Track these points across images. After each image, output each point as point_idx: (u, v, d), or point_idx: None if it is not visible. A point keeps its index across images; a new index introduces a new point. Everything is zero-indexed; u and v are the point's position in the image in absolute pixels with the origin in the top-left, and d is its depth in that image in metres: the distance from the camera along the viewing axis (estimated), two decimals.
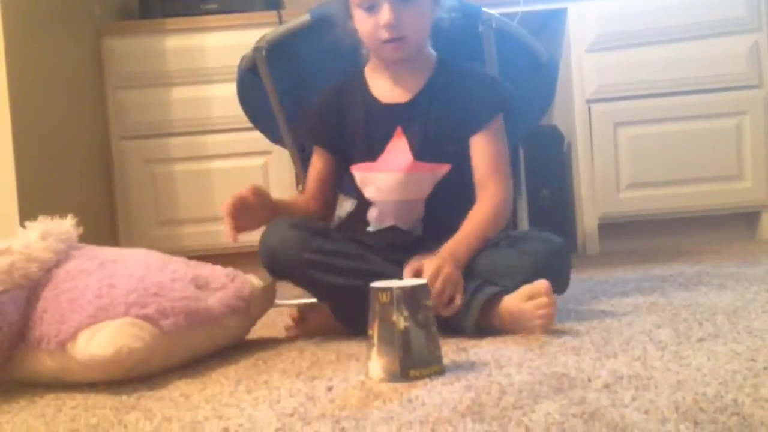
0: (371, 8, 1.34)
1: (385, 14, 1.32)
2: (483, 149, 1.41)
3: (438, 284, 1.20)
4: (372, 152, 1.44)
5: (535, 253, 1.29)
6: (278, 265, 1.32)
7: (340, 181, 1.56)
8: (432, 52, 1.47)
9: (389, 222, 1.44)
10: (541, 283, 1.22)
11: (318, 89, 1.55)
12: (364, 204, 1.48)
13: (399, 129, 1.42)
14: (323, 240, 1.31)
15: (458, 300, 1.22)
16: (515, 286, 1.24)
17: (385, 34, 1.34)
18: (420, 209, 1.43)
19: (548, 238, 1.34)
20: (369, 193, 1.45)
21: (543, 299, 1.20)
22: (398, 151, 1.42)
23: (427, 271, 1.21)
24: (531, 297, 1.22)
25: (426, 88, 1.43)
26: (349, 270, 1.29)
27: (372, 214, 1.46)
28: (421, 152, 1.41)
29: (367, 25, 1.36)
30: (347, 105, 1.47)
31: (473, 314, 1.23)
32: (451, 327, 1.23)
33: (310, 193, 1.51)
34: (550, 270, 1.27)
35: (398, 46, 1.37)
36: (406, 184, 1.41)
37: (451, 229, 1.33)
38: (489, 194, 1.38)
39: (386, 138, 1.43)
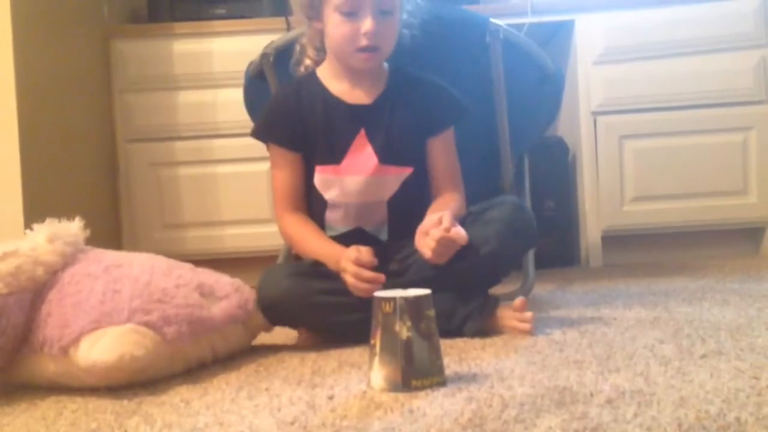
0: (352, 14, 1.36)
1: (368, 23, 1.35)
2: (442, 152, 1.49)
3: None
4: (335, 154, 1.44)
5: (499, 219, 1.37)
6: (281, 315, 1.36)
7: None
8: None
9: (352, 224, 1.45)
10: (518, 301, 1.36)
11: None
12: (319, 207, 1.46)
13: (362, 132, 1.43)
14: (322, 280, 1.34)
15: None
16: (491, 254, 1.33)
17: (363, 41, 1.37)
18: (383, 210, 1.45)
19: (505, 201, 1.43)
20: (330, 195, 1.45)
21: (517, 314, 1.35)
22: (362, 154, 1.43)
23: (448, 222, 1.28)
24: (515, 309, 1.36)
25: (386, 92, 1.46)
26: (352, 305, 1.30)
27: (334, 216, 1.46)
28: (384, 155, 1.43)
29: (343, 29, 1.37)
30: (307, 103, 1.46)
31: (475, 325, 1.34)
32: (446, 330, 1.29)
33: (294, 204, 1.46)
34: (517, 229, 1.38)
35: (372, 56, 1.40)
36: (372, 187, 1.43)
37: (413, 232, 1.38)
38: (454, 196, 1.46)
39: (349, 139, 1.43)
